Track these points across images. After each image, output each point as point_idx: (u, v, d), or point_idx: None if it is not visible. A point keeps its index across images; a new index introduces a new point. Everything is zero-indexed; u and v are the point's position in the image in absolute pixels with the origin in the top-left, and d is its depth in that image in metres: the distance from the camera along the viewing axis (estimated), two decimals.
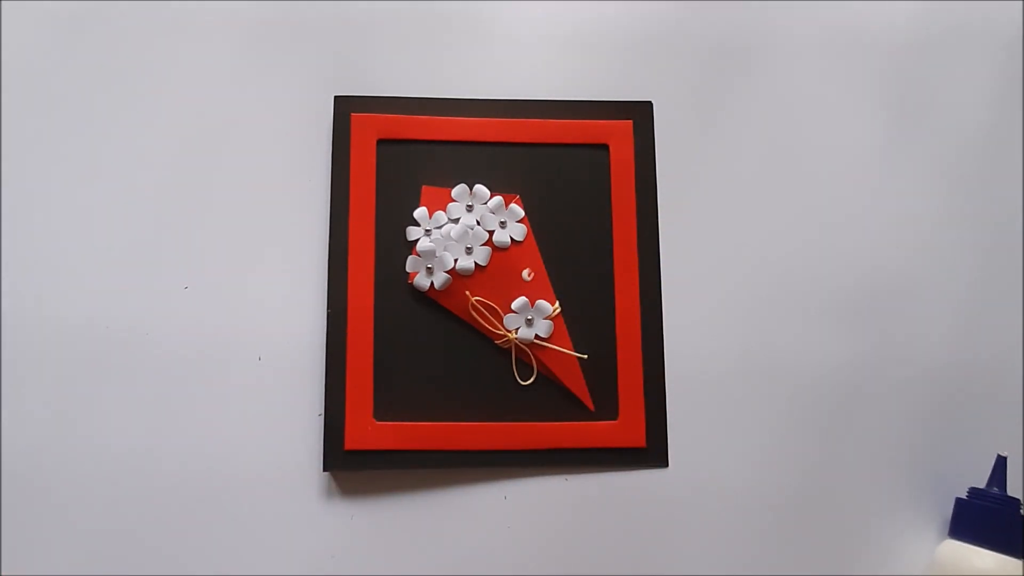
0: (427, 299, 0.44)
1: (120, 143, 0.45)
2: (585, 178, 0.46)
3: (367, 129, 0.45)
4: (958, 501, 0.42)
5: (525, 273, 0.42)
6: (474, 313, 0.43)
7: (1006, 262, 0.47)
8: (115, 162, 0.45)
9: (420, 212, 0.44)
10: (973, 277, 0.47)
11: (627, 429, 0.43)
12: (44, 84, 0.46)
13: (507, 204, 0.45)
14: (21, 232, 0.44)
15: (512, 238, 0.44)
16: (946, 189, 0.48)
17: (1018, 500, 0.41)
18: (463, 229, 0.44)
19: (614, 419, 0.43)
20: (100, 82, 0.46)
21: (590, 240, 0.45)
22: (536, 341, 0.43)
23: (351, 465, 0.42)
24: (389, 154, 0.45)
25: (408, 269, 0.44)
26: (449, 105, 0.46)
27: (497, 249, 0.44)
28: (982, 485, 0.42)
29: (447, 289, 0.43)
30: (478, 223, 0.44)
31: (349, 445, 0.42)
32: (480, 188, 0.45)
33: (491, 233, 0.44)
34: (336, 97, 0.46)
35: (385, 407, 0.42)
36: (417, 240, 0.44)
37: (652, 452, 0.43)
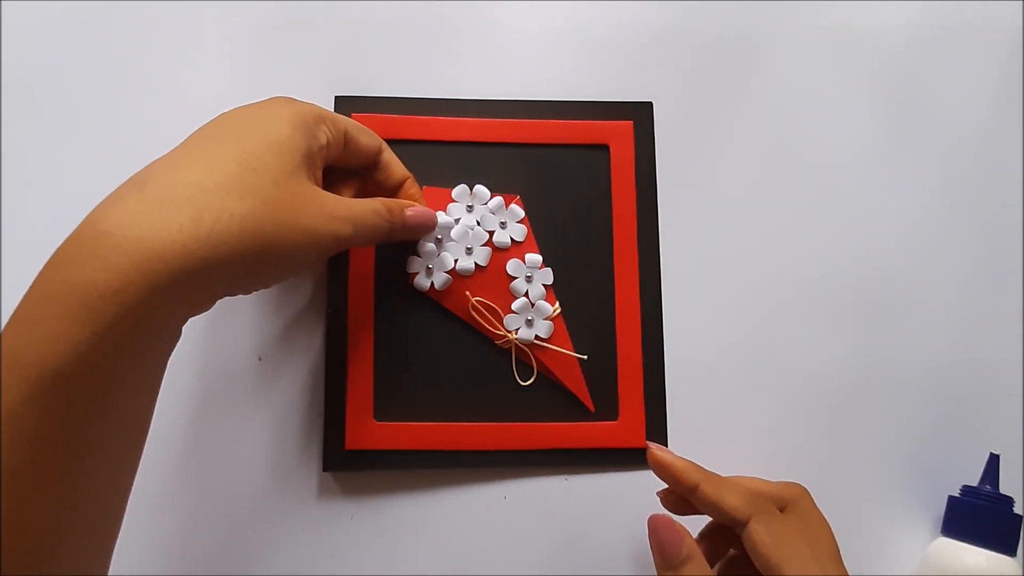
0: (427, 299, 0.44)
1: (119, 144, 0.45)
2: (585, 178, 0.45)
3: None
4: (950, 499, 0.43)
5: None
6: (474, 313, 0.43)
7: (1005, 262, 0.47)
8: (114, 163, 0.44)
9: None
10: (970, 276, 0.47)
11: (627, 429, 0.43)
12: (43, 84, 0.46)
13: (507, 204, 0.45)
14: (21, 232, 0.44)
15: (512, 238, 0.44)
16: (946, 188, 0.48)
17: (1010, 498, 0.42)
18: (463, 229, 0.44)
19: (614, 419, 0.43)
20: (98, 83, 0.46)
21: (590, 240, 0.45)
22: (536, 341, 0.43)
23: (351, 465, 0.42)
24: None
25: (408, 269, 0.43)
26: (449, 105, 0.46)
27: (497, 249, 0.44)
28: (975, 483, 0.43)
29: (447, 289, 0.43)
30: (478, 223, 0.44)
31: (349, 445, 0.42)
32: (480, 188, 0.45)
33: (491, 233, 0.44)
34: (336, 97, 0.45)
35: (385, 407, 0.42)
36: (417, 240, 0.44)
37: None
